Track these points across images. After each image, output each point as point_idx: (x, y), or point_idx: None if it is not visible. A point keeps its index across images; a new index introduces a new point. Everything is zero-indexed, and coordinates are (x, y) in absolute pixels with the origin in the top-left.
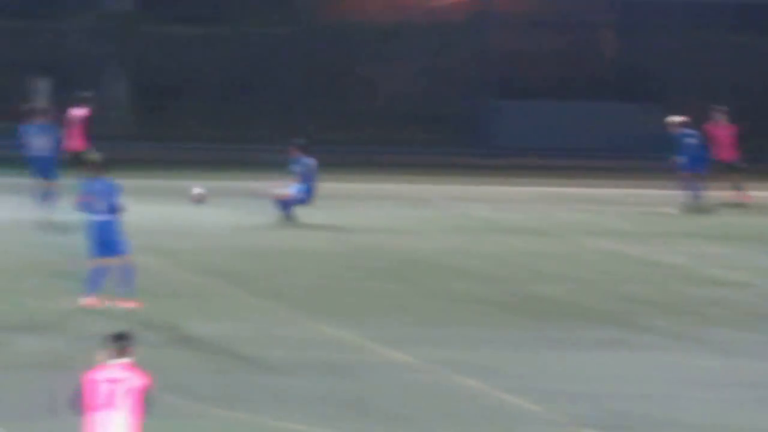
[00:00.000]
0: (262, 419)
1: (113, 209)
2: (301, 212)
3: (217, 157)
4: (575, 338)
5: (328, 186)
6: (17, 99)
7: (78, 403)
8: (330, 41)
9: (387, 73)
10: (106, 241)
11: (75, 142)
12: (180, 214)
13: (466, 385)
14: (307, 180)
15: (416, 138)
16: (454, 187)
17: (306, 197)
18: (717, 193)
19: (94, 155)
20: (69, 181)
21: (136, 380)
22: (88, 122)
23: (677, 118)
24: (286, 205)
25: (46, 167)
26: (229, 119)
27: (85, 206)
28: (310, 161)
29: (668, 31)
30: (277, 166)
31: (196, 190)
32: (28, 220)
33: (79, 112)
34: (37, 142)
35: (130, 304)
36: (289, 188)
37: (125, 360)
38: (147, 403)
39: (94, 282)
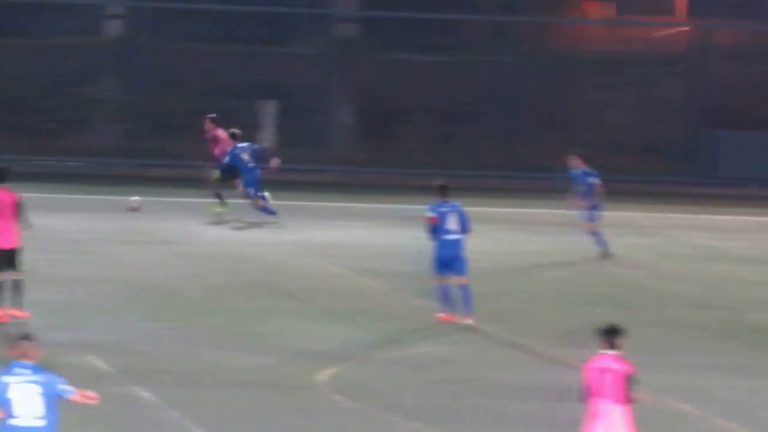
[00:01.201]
0: None
1: (464, 230)
2: (529, 238)
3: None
4: None
5: (546, 213)
6: (246, 122)
7: (584, 393)
8: (552, 70)
9: (608, 102)
10: (454, 260)
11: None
12: (407, 237)
13: (682, 410)
14: (588, 194)
15: (637, 167)
16: (673, 215)
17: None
18: None
19: (440, 180)
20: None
21: (622, 370)
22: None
23: None
24: (598, 236)
25: (256, 180)
26: (453, 146)
27: (437, 228)
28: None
29: None
30: (502, 191)
31: (133, 198)
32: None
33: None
34: (247, 157)
35: (469, 320)
36: (587, 216)
37: (616, 351)
38: (630, 392)
39: (446, 299)
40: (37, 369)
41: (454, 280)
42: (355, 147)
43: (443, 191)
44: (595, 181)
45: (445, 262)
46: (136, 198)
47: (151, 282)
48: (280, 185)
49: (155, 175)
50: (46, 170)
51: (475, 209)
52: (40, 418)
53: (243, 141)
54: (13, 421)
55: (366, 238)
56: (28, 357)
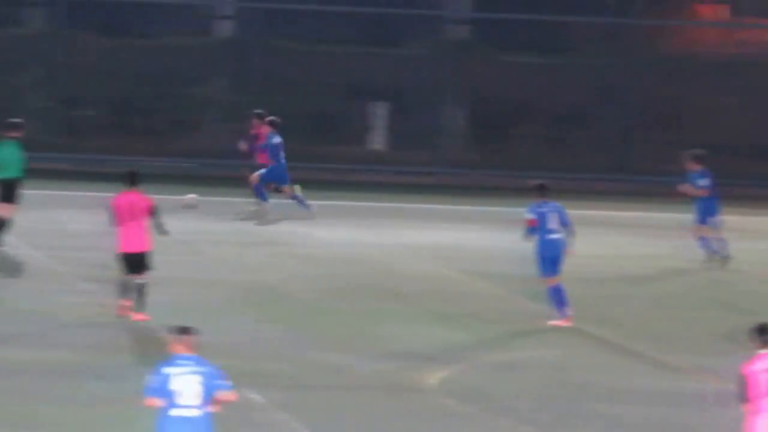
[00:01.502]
0: None
1: (565, 225)
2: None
3: (554, 186)
4: None
5: (658, 216)
6: (358, 123)
7: (744, 394)
8: (665, 73)
9: (721, 105)
10: (556, 260)
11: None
12: (518, 240)
13: None
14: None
15: (749, 170)
16: None
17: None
18: None
19: (538, 181)
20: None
21: None
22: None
23: None
24: (706, 242)
25: (280, 174)
26: (565, 148)
27: (536, 228)
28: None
29: None
30: (614, 194)
31: (189, 195)
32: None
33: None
34: (280, 152)
35: (565, 321)
36: (699, 219)
37: None
38: None
39: (558, 301)
40: (200, 360)
41: (554, 280)
42: (466, 149)
43: (542, 191)
44: (705, 183)
45: (549, 261)
46: (193, 195)
47: (260, 283)
48: (391, 187)
49: None
50: (156, 171)
51: (586, 212)
52: (199, 407)
53: (280, 134)
54: (174, 412)
55: (476, 240)
56: (191, 349)
